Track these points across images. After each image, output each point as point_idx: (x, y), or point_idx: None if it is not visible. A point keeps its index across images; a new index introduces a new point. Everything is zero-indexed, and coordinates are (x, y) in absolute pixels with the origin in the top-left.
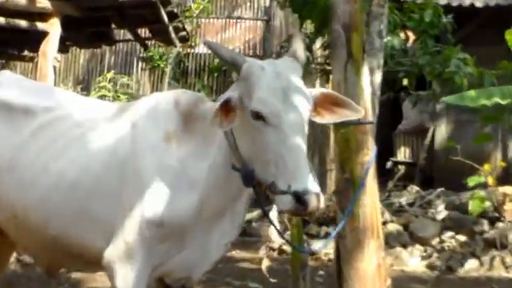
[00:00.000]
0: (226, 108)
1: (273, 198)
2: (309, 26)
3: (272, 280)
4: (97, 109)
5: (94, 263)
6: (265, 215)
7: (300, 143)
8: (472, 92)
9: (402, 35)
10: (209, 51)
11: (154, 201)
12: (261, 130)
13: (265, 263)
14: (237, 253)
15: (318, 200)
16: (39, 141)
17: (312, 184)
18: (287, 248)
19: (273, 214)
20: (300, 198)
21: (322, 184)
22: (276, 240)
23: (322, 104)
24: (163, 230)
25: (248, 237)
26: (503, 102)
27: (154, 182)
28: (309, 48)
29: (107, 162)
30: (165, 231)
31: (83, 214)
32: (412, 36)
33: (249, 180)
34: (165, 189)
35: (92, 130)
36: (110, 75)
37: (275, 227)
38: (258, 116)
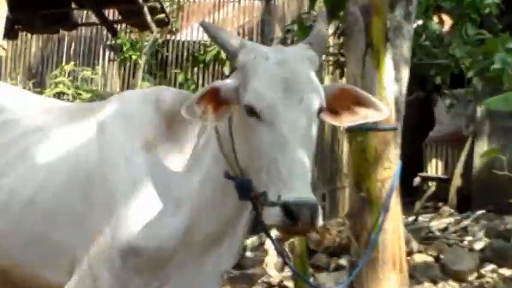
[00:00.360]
0: (216, 100)
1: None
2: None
3: None
4: (55, 111)
5: None
6: (267, 235)
7: (299, 146)
8: None
9: (436, 19)
10: (194, 39)
11: (129, 224)
12: (255, 128)
13: None
14: None
15: (314, 216)
16: None
17: (307, 195)
18: (289, 283)
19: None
20: (289, 210)
21: (333, 204)
22: (275, 274)
23: (340, 102)
24: (140, 259)
25: (241, 269)
26: None
27: (129, 201)
28: None
29: (69, 177)
30: (143, 261)
31: (39, 241)
32: (448, 21)
33: (245, 192)
34: (143, 209)
35: (49, 138)
36: (69, 67)
37: (277, 248)
38: (251, 111)
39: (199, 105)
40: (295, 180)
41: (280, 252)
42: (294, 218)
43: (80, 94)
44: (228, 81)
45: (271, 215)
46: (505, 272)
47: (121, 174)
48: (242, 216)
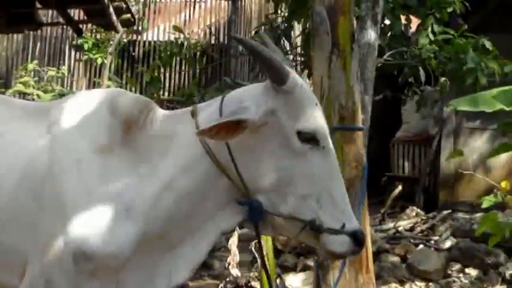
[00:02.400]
0: (233, 126)
1: (308, 240)
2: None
3: None
4: (9, 110)
5: None
6: (261, 258)
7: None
8: (488, 93)
9: (404, 19)
10: (160, 39)
11: (81, 228)
12: (307, 155)
13: None
14: None
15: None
16: None
17: (359, 223)
18: (256, 284)
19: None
20: (358, 239)
21: None
22: (238, 275)
23: None
24: (92, 264)
25: (207, 270)
26: None
27: (81, 206)
28: (286, 35)
29: (19, 179)
30: (96, 265)
31: None
32: (415, 21)
33: (258, 215)
34: (94, 214)
35: (1, 137)
36: (31, 66)
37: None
38: (307, 139)
39: (214, 130)
40: (350, 209)
41: (264, 262)
42: (361, 245)
43: (43, 93)
44: (256, 109)
45: (341, 243)
46: (471, 271)
47: (72, 176)
48: (207, 230)
